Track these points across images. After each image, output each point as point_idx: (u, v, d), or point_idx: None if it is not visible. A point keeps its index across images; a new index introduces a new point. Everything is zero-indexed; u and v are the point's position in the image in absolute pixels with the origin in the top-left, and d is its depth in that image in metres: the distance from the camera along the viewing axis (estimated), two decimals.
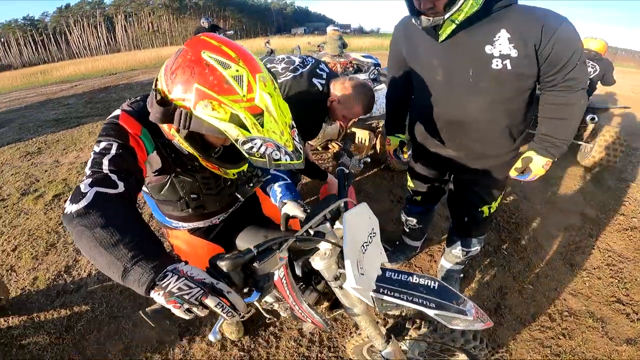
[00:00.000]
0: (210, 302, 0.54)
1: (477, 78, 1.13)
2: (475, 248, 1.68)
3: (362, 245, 0.82)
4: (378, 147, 2.93)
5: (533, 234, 2.38)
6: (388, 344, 1.02)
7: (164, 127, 0.78)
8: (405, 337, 1.07)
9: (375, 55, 3.23)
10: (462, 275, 1.91)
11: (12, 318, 1.79)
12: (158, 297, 0.55)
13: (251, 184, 1.04)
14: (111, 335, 1.69)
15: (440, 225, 2.44)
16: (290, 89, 1.56)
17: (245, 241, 1.14)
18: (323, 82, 1.61)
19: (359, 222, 0.85)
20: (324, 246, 0.81)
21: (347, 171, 1.11)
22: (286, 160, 0.71)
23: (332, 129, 2.84)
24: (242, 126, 0.66)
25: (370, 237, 0.87)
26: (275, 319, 1.68)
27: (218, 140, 0.83)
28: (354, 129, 3.02)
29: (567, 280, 1.99)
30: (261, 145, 0.67)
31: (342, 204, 0.88)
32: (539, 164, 1.27)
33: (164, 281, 0.55)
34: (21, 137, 4.55)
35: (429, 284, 0.84)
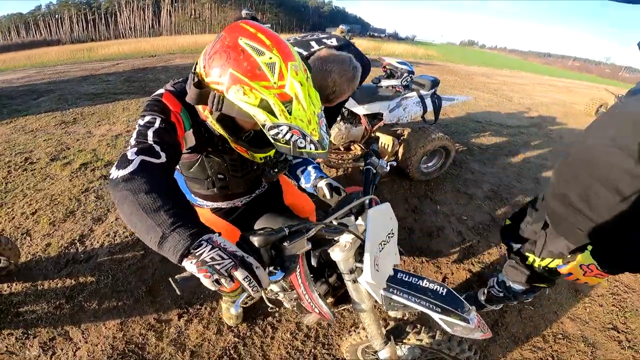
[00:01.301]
0: (239, 274, 0.55)
1: None
2: (503, 293, 1.60)
3: (380, 244, 0.84)
4: (400, 154, 2.86)
5: None
6: (386, 345, 1.02)
7: (199, 108, 0.82)
8: (404, 341, 1.06)
9: (411, 63, 3.14)
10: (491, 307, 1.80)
11: (17, 284, 1.79)
12: (190, 265, 0.56)
13: (276, 169, 1.07)
14: (110, 309, 1.69)
15: (451, 238, 2.38)
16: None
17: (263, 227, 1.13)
18: (305, 52, 1.49)
19: (381, 220, 0.87)
20: (344, 238, 0.83)
21: (374, 171, 1.10)
22: (310, 149, 0.72)
23: (356, 131, 2.81)
24: (270, 112, 0.68)
25: (389, 237, 0.88)
26: (276, 310, 1.67)
27: (248, 124, 0.85)
28: (378, 134, 2.98)
29: (568, 304, 1.96)
30: (287, 132, 0.69)
31: (367, 201, 0.91)
32: None
33: (198, 250, 0.56)
34: (59, 107, 4.73)
35: (438, 289, 0.86)
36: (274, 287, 1.21)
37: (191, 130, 0.86)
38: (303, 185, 1.17)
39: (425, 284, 0.87)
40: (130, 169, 0.65)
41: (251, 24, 0.72)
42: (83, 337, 1.56)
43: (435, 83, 2.90)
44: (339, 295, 1.08)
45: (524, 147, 4.37)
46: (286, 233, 0.64)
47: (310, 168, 1.17)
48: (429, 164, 3.08)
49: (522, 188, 3.23)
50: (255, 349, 1.55)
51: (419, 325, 1.05)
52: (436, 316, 0.81)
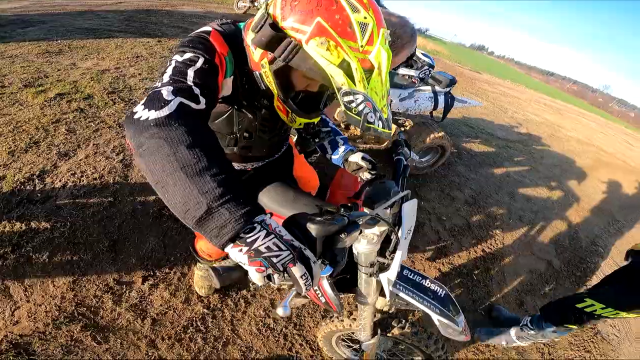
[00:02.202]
0: (296, 270, 0.44)
1: None
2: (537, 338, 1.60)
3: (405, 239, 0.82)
4: None
5: (502, 268, 2.38)
6: (372, 337, 1.00)
7: (254, 55, 0.71)
8: (388, 334, 1.05)
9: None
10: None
11: None
12: (238, 253, 0.44)
13: (317, 139, 0.98)
14: (63, 264, 1.47)
15: (429, 235, 2.43)
16: None
17: (269, 198, 1.02)
18: None
19: (410, 216, 0.82)
20: (372, 231, 0.75)
21: (405, 162, 1.01)
22: (378, 125, 0.62)
23: None
24: (350, 76, 0.58)
25: (408, 233, 0.83)
26: (254, 285, 1.56)
27: (302, 83, 0.76)
28: None
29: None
30: (361, 102, 0.59)
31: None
32: None
33: (250, 235, 0.45)
34: (47, 37, 4.27)
35: (438, 291, 0.88)
36: None
37: (231, 77, 0.75)
38: (330, 157, 1.09)
39: (428, 284, 0.88)
40: (166, 111, 0.51)
41: None
42: (25, 294, 1.34)
43: (452, 82, 2.78)
44: (336, 283, 1.03)
45: (508, 161, 4.39)
46: (346, 222, 0.55)
47: (338, 139, 1.09)
48: (423, 160, 3.03)
49: (498, 200, 3.26)
50: (224, 323, 1.43)
51: (403, 320, 1.05)
52: (435, 317, 0.83)
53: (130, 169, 2.05)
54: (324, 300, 0.94)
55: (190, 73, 0.61)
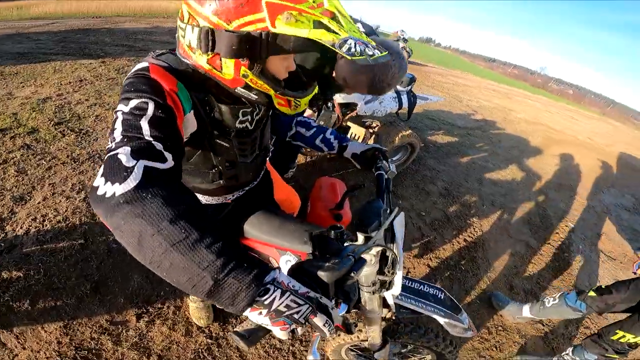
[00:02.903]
0: (318, 321, 0.46)
1: None
2: None
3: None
4: None
5: (487, 254, 2.52)
6: (384, 346, 1.03)
7: (225, 74, 0.63)
8: (397, 340, 1.09)
9: None
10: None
11: None
12: (259, 317, 0.44)
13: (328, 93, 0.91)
14: (48, 310, 1.42)
15: (412, 233, 2.49)
16: None
17: (254, 227, 1.00)
18: None
19: (400, 230, 0.84)
20: (369, 254, 0.75)
21: (386, 176, 1.01)
22: (376, 54, 0.59)
23: (327, 116, 2.70)
24: (329, 30, 0.55)
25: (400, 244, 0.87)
26: None
27: (282, 68, 0.69)
28: (350, 123, 2.92)
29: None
30: (355, 43, 0.57)
31: (385, 210, 0.85)
32: None
33: (266, 297, 0.44)
34: None
35: (437, 294, 0.91)
36: None
37: (192, 111, 0.68)
38: (327, 152, 1.15)
39: (426, 289, 0.91)
40: (132, 182, 0.45)
41: None
42: (19, 342, 1.31)
43: (412, 80, 2.93)
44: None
45: (471, 149, 4.71)
46: (353, 262, 0.56)
47: (328, 135, 1.12)
48: (394, 158, 3.15)
49: (468, 187, 3.48)
50: (230, 350, 1.42)
51: (411, 325, 1.08)
52: (442, 320, 0.86)
53: None
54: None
55: (145, 125, 0.54)
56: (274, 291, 0.45)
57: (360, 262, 0.59)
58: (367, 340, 1.04)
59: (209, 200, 1.00)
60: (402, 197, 2.93)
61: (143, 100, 0.56)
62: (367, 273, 0.79)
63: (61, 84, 3.58)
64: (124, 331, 1.42)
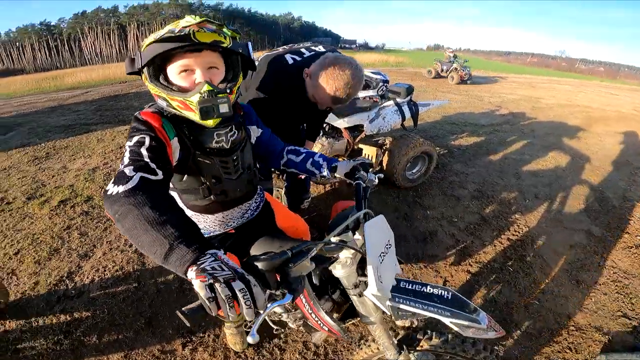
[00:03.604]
0: (236, 285, 0.54)
1: None
2: None
3: (380, 255, 0.86)
4: (385, 163, 2.90)
5: (539, 251, 2.38)
6: (400, 354, 1.01)
7: (151, 91, 0.89)
8: (417, 348, 1.06)
9: (381, 70, 3.25)
10: None
11: (10, 322, 1.75)
12: (191, 272, 0.56)
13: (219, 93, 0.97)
14: (111, 342, 1.65)
15: (445, 241, 2.44)
16: (261, 63, 1.52)
17: (260, 252, 1.12)
18: (298, 58, 1.51)
19: (377, 232, 0.88)
20: (345, 254, 0.84)
21: (364, 185, 1.11)
22: (205, 26, 0.84)
23: (339, 144, 2.84)
24: (169, 31, 0.81)
25: (387, 247, 0.90)
26: (281, 331, 1.64)
27: (185, 78, 0.88)
28: (361, 145, 3.01)
29: (573, 296, 2.01)
30: (183, 27, 0.81)
31: (362, 216, 0.93)
32: None
33: (201, 260, 0.57)
34: (30, 141, 4.55)
35: (443, 294, 0.86)
36: (277, 309, 1.19)
37: (175, 138, 0.89)
38: (324, 175, 1.20)
39: (430, 290, 0.87)
40: (130, 184, 0.67)
41: None
42: None
43: (410, 90, 2.99)
44: (345, 311, 1.09)
45: (501, 145, 4.58)
46: (289, 255, 0.65)
47: (316, 157, 1.21)
48: (414, 170, 3.14)
49: (505, 184, 3.37)
50: None
51: (429, 331, 1.05)
52: (447, 320, 0.81)
53: (145, 257, 2.22)
54: (326, 328, 1.02)
55: (144, 152, 0.76)
56: (209, 258, 0.57)
57: (298, 256, 0.66)
58: (383, 354, 1.04)
59: (213, 229, 1.14)
60: (430, 206, 2.87)
61: (141, 135, 0.80)
62: (346, 274, 0.85)
63: (105, 153, 4.05)
64: (172, 359, 1.59)
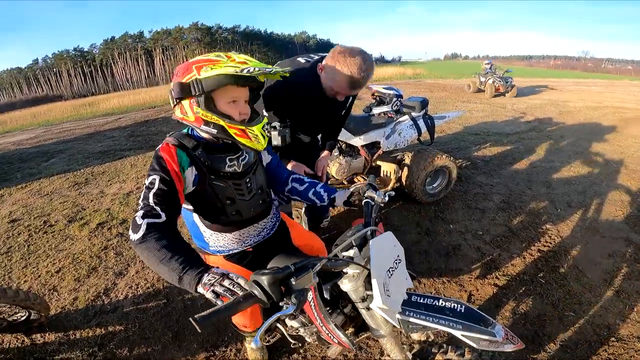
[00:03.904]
0: (225, 282, 0.72)
1: None
2: None
3: (388, 270, 0.88)
4: (404, 179, 2.89)
5: (573, 261, 2.29)
6: None
7: (190, 118, 0.99)
8: None
9: (399, 83, 3.29)
10: None
11: (49, 334, 1.89)
12: (200, 289, 0.74)
13: (281, 127, 1.19)
14: (141, 355, 1.75)
15: (469, 254, 2.39)
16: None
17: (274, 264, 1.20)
18: (310, 59, 1.57)
19: (385, 248, 0.91)
20: (352, 269, 0.89)
21: (372, 203, 1.16)
22: (276, 69, 0.98)
23: (357, 163, 2.87)
24: (235, 67, 0.92)
25: (396, 262, 0.93)
26: (299, 345, 1.67)
27: (228, 103, 1.00)
28: (379, 162, 3.02)
29: (612, 306, 1.92)
30: (253, 68, 0.91)
31: (369, 232, 0.97)
32: None
33: (203, 279, 0.75)
34: (70, 167, 4.92)
35: (456, 307, 0.86)
36: (294, 323, 1.24)
37: (191, 167, 1.00)
38: (320, 204, 1.31)
39: (442, 303, 0.88)
40: (141, 233, 0.84)
41: None
42: None
43: (424, 103, 2.99)
44: (359, 325, 1.11)
45: (528, 153, 4.45)
46: (292, 270, 0.71)
47: (318, 188, 1.30)
48: (434, 185, 3.09)
49: (533, 194, 3.27)
50: None
51: (445, 345, 1.05)
52: (458, 333, 0.82)
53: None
54: (337, 341, 1.05)
55: (151, 196, 0.91)
56: (207, 275, 0.74)
57: (301, 271, 0.72)
58: None
59: (232, 246, 1.23)
60: (453, 220, 2.82)
61: (154, 177, 0.93)
62: (352, 289, 0.89)
63: (138, 178, 4.31)
64: None
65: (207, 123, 0.98)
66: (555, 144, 4.81)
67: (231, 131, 0.98)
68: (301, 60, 1.58)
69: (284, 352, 1.69)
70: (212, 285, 0.71)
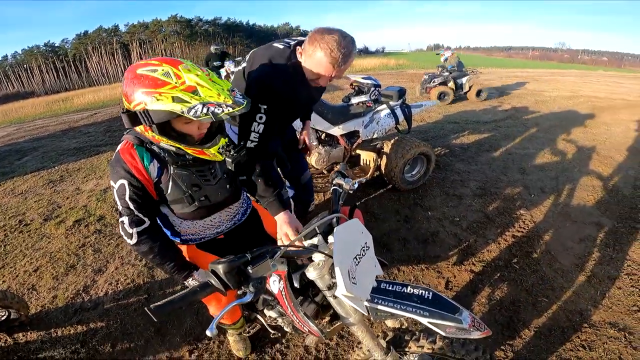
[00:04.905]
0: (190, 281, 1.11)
1: None
2: None
3: (355, 258, 0.87)
4: (383, 167, 2.94)
5: (546, 246, 2.36)
6: (387, 355, 1.03)
7: (147, 135, 0.97)
8: (405, 349, 1.07)
9: (382, 74, 3.31)
10: None
11: (31, 333, 1.88)
12: (186, 282, 1.12)
13: (235, 152, 1.10)
14: (124, 350, 1.76)
15: (447, 241, 2.45)
16: (252, 56, 1.53)
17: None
18: (286, 43, 1.50)
19: (350, 235, 0.91)
20: (317, 257, 0.89)
21: (340, 191, 1.16)
22: (228, 110, 0.90)
23: (336, 152, 2.89)
24: (183, 102, 0.86)
25: (364, 250, 0.92)
26: (280, 335, 1.68)
27: (190, 128, 0.98)
28: (358, 151, 3.05)
29: (584, 292, 1.97)
30: (203, 107, 0.87)
31: (335, 220, 0.97)
32: None
33: (188, 278, 1.10)
34: (44, 165, 4.74)
35: (423, 294, 0.88)
36: (272, 313, 1.26)
37: (154, 161, 1.01)
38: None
39: (410, 290, 0.89)
40: (134, 239, 1.01)
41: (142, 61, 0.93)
42: None
43: (402, 92, 3.03)
44: (333, 312, 1.11)
45: (504, 140, 4.57)
46: (248, 258, 0.71)
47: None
48: (413, 172, 3.16)
49: (509, 180, 3.36)
50: None
51: (417, 332, 1.07)
52: (424, 320, 0.83)
53: (154, 270, 2.32)
54: (307, 330, 1.07)
55: (130, 203, 0.98)
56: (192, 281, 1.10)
57: (258, 259, 0.72)
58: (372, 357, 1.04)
59: (205, 233, 1.26)
60: (431, 207, 2.88)
61: (121, 182, 0.97)
62: (318, 276, 0.88)
63: None
64: None
65: (161, 140, 0.97)
66: (531, 131, 4.95)
67: (189, 151, 1.00)
68: (279, 45, 1.51)
69: (266, 343, 1.72)
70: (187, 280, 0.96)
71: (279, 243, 1.35)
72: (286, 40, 1.56)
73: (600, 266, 2.15)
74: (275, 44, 1.53)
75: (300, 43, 1.45)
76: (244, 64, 1.57)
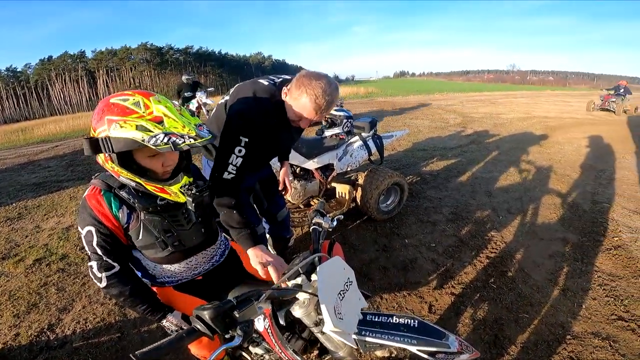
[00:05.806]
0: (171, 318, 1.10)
1: None
2: None
3: (339, 293, 0.89)
4: (358, 199, 2.95)
5: (519, 265, 2.46)
6: None
7: (108, 167, 0.93)
8: None
9: (354, 102, 3.44)
10: None
11: None
12: (163, 324, 1.10)
13: (197, 192, 1.03)
14: None
15: (425, 267, 2.50)
16: (237, 90, 1.54)
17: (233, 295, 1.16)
18: (271, 81, 1.52)
19: (333, 273, 0.93)
20: (302, 296, 0.90)
21: (320, 230, 1.17)
22: (190, 141, 0.88)
23: (312, 186, 2.89)
24: (146, 130, 0.83)
25: (347, 285, 0.94)
26: None
27: (154, 163, 0.95)
28: (334, 184, 3.06)
29: (561, 305, 2.04)
30: (164, 137, 0.84)
31: (317, 259, 0.99)
32: None
33: (163, 321, 1.08)
34: (1, 201, 4.37)
35: (409, 323, 0.90)
36: (258, 350, 1.23)
37: (122, 206, 0.98)
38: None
39: (396, 320, 0.91)
40: (104, 283, 0.98)
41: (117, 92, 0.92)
42: None
43: (373, 124, 3.08)
44: (321, 347, 1.10)
45: (470, 165, 4.83)
46: (234, 303, 0.71)
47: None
48: (388, 202, 3.17)
49: (478, 204, 3.52)
50: None
51: None
52: (413, 348, 0.84)
53: (126, 309, 2.18)
54: None
55: (98, 249, 0.95)
56: (166, 323, 1.08)
57: (243, 303, 0.72)
58: None
59: (181, 276, 1.18)
60: (407, 235, 2.90)
61: (88, 229, 0.95)
62: (304, 314, 0.89)
63: (78, 211, 3.85)
64: None
65: (120, 173, 0.92)
66: (493, 154, 5.28)
67: (149, 187, 0.95)
68: (264, 82, 1.52)
69: None
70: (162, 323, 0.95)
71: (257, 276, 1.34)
72: (271, 77, 1.59)
73: (572, 279, 2.26)
74: (261, 80, 1.55)
75: (285, 82, 1.49)
76: (226, 97, 1.58)
